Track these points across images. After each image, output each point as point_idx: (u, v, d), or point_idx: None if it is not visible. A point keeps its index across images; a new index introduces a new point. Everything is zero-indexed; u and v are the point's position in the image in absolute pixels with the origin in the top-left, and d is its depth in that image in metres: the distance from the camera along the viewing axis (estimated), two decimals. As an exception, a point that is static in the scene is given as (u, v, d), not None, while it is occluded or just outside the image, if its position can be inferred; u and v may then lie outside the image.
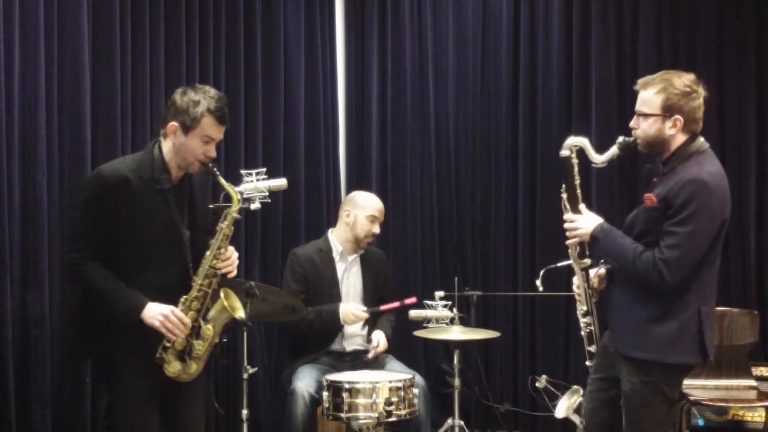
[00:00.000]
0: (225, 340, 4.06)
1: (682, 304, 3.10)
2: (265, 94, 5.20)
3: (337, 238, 4.64)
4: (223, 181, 3.17)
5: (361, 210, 4.59)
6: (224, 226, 3.16)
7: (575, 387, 3.87)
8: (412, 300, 4.47)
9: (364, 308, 4.45)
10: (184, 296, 3.13)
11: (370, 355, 4.39)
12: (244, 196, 4.05)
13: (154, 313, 3.05)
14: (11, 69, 4.10)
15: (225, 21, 5.02)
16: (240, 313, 3.23)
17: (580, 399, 3.69)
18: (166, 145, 3.16)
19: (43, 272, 4.18)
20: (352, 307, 4.43)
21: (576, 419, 3.81)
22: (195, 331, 3.15)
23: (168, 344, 3.10)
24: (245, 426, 4.02)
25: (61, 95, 4.31)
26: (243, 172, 4.17)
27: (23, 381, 4.14)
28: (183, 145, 3.10)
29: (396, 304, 4.47)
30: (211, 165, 3.16)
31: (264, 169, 4.30)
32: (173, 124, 3.10)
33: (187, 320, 3.10)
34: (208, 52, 4.93)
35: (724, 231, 3.15)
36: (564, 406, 3.80)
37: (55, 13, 4.28)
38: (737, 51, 5.29)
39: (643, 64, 5.19)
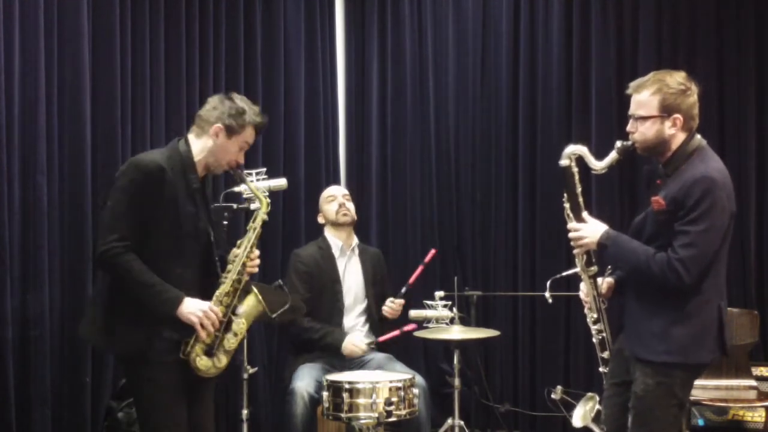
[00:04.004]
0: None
1: (702, 303, 3.09)
2: (265, 94, 5.21)
3: (332, 235, 4.69)
4: (252, 185, 3.37)
5: (322, 204, 4.75)
6: (257, 226, 3.30)
7: (590, 394, 3.85)
8: (411, 327, 4.46)
9: (366, 341, 4.47)
10: (217, 291, 3.17)
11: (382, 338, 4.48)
12: (244, 196, 4.06)
13: (193, 308, 3.07)
14: (11, 69, 4.10)
15: (225, 21, 5.02)
16: (271, 310, 3.32)
17: (597, 407, 3.67)
18: (198, 145, 3.22)
19: (43, 272, 4.18)
20: (354, 339, 4.46)
21: (595, 428, 3.79)
22: (223, 326, 3.18)
23: (199, 339, 3.13)
24: (245, 426, 4.03)
25: (61, 95, 4.31)
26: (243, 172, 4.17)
27: (23, 381, 4.13)
28: (222, 147, 3.22)
29: (396, 332, 4.48)
30: (239, 170, 3.31)
31: (264, 169, 4.30)
32: (218, 126, 3.20)
33: (221, 315, 3.15)
34: (208, 52, 4.93)
35: (732, 224, 3.15)
36: (580, 414, 3.79)
37: (55, 13, 4.28)
38: (737, 51, 5.29)
39: (643, 64, 5.19)
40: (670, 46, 5.33)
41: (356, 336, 4.51)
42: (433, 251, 4.66)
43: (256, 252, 3.30)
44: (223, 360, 3.18)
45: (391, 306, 4.58)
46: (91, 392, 4.34)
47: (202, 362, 3.13)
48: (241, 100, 3.30)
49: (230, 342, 3.19)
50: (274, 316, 3.36)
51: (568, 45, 5.45)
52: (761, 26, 5.27)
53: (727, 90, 5.29)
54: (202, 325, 3.08)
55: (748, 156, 5.24)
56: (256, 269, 3.32)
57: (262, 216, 3.32)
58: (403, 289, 4.61)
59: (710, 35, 5.31)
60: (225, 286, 3.18)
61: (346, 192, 4.79)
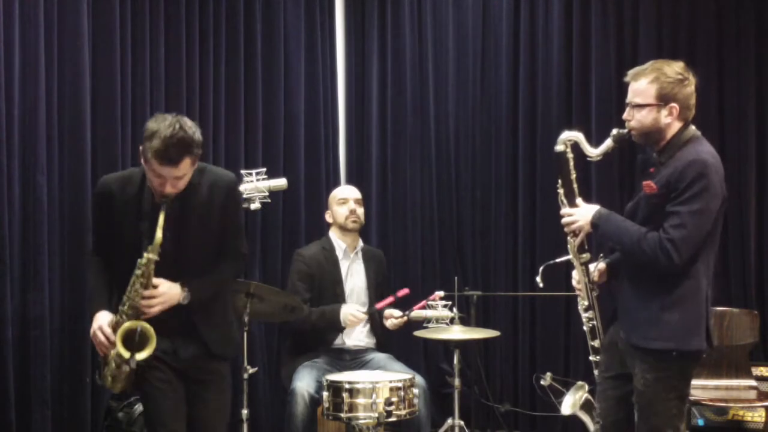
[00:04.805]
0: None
1: (693, 288, 3.11)
2: (265, 94, 5.21)
3: (337, 237, 4.69)
4: (160, 220, 2.99)
5: (332, 203, 4.74)
6: (140, 263, 3.01)
7: (580, 383, 3.86)
8: (404, 291, 4.52)
9: (363, 309, 4.47)
10: (112, 317, 3.10)
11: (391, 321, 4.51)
12: (244, 196, 4.06)
13: (93, 324, 3.11)
14: (11, 69, 4.10)
15: (225, 21, 5.02)
16: (126, 354, 2.99)
17: (586, 395, 3.68)
18: None
19: (43, 272, 4.18)
20: (351, 308, 4.45)
21: (583, 416, 3.78)
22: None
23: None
24: (245, 426, 4.03)
25: (61, 95, 4.31)
26: (243, 172, 4.17)
27: (23, 381, 4.13)
28: (147, 173, 3.06)
29: (390, 299, 4.50)
30: (163, 202, 3.02)
31: (264, 169, 4.30)
32: (140, 148, 3.04)
33: (113, 339, 3.04)
34: (208, 52, 4.93)
35: (724, 208, 3.17)
36: (569, 402, 3.79)
37: (55, 13, 4.28)
38: (737, 51, 5.29)
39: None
40: (670, 46, 5.33)
41: (352, 306, 4.50)
42: (407, 290, 4.56)
43: (150, 292, 3.03)
44: (107, 381, 3.13)
45: (394, 323, 4.55)
46: (91, 392, 4.34)
47: (98, 377, 3.18)
48: (161, 122, 2.96)
49: (109, 366, 3.10)
50: (131, 364, 2.99)
51: (568, 45, 5.45)
52: (761, 26, 5.27)
53: (727, 90, 5.29)
54: (96, 343, 3.11)
55: (748, 156, 5.24)
56: (151, 312, 3.04)
57: (147, 254, 2.98)
58: (371, 308, 4.54)
59: (710, 35, 5.31)
60: (116, 315, 3.07)
61: (359, 196, 4.77)
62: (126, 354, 2.98)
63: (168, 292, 3.08)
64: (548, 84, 5.48)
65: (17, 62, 4.13)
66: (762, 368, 4.84)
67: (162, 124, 2.95)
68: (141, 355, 3.00)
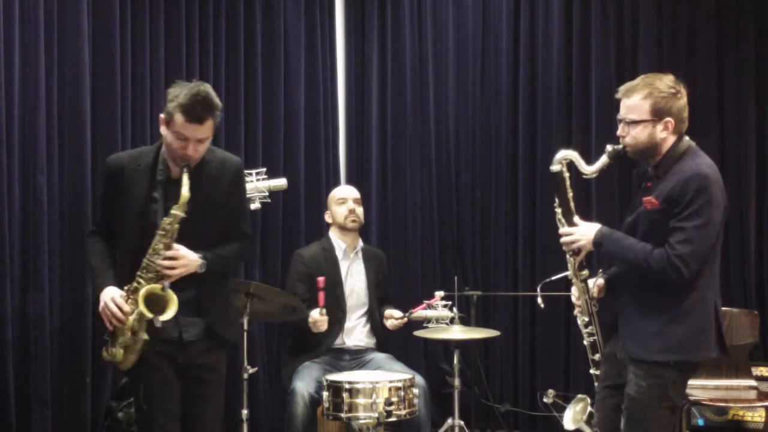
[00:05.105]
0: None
1: (699, 300, 3.11)
2: (265, 94, 5.21)
3: (337, 237, 4.69)
4: (185, 179, 3.02)
5: (331, 203, 4.73)
6: (165, 223, 3.02)
7: (580, 396, 3.86)
8: (321, 278, 4.35)
9: (322, 310, 4.37)
10: (127, 285, 3.07)
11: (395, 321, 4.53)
12: (247, 195, 4.05)
13: (101, 297, 3.08)
14: (11, 69, 4.11)
15: (225, 21, 5.02)
16: (150, 314, 3.00)
17: (589, 408, 3.67)
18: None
19: (43, 272, 4.18)
20: (314, 311, 4.36)
21: (587, 430, 3.78)
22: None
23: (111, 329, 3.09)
24: (245, 426, 4.03)
25: (61, 95, 4.31)
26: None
27: (23, 381, 4.14)
28: (166, 139, 3.08)
29: (321, 294, 4.35)
30: (185, 167, 3.03)
31: (264, 169, 4.31)
32: (161, 116, 3.08)
33: (127, 308, 3.03)
34: (208, 52, 4.93)
35: (726, 217, 3.17)
36: (570, 416, 3.79)
37: (55, 13, 4.28)
38: (737, 51, 5.29)
39: (643, 64, 5.19)
40: (670, 46, 5.33)
41: (315, 310, 4.37)
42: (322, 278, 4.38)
43: (173, 252, 3.03)
44: (119, 353, 3.07)
45: (394, 323, 4.56)
46: (91, 392, 4.34)
47: (105, 353, 3.12)
48: (182, 86, 3.03)
49: (123, 337, 3.06)
50: (157, 323, 3.00)
51: (568, 45, 5.45)
52: (761, 26, 5.27)
53: (727, 90, 5.28)
54: (106, 317, 3.05)
55: (748, 156, 5.23)
56: (173, 273, 3.04)
57: (173, 212, 3.00)
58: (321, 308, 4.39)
59: (710, 35, 5.31)
60: (134, 282, 3.05)
61: (358, 195, 4.76)
62: (149, 315, 2.97)
63: (188, 256, 3.07)
64: (548, 84, 5.48)
65: (17, 62, 4.13)
66: (762, 368, 4.83)
67: (185, 87, 3.02)
68: (165, 316, 2.99)
